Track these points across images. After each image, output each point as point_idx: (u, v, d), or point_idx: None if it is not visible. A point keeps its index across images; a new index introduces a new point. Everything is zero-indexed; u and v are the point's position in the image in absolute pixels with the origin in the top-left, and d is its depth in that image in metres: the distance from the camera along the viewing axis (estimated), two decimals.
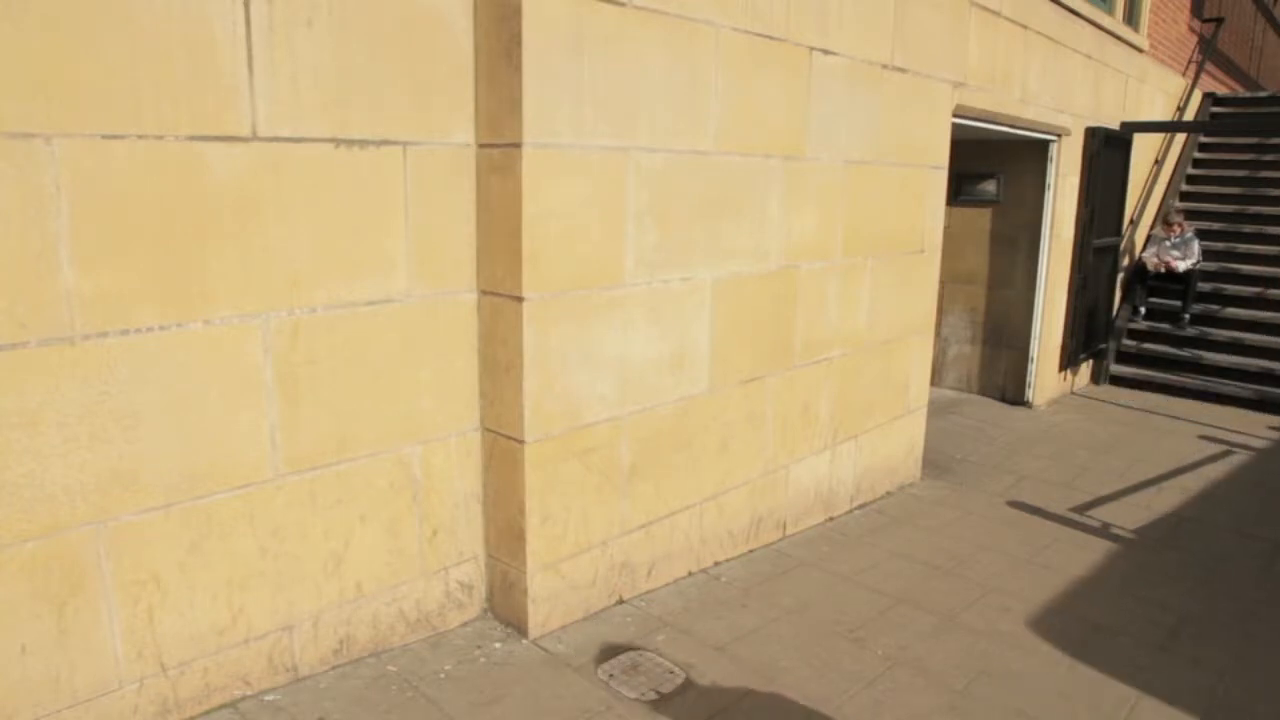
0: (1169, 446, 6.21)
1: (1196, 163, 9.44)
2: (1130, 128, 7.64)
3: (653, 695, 2.95)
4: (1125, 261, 8.44)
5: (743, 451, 3.97)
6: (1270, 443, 6.42)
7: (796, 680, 3.08)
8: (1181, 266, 7.95)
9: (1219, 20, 10.03)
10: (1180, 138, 9.33)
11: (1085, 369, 8.02)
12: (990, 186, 7.10)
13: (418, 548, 3.17)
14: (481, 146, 3.04)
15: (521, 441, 3.09)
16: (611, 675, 3.05)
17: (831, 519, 4.63)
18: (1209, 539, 4.55)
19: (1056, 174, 6.78)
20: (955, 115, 5.05)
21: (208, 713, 2.73)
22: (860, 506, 4.83)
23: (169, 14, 2.34)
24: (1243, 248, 8.39)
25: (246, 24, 2.47)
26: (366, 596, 3.06)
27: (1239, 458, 6.02)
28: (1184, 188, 9.23)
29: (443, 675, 3.02)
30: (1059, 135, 6.65)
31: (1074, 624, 3.58)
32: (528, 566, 3.20)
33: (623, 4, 3.06)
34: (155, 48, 2.32)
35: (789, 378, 4.15)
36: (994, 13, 5.31)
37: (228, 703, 2.78)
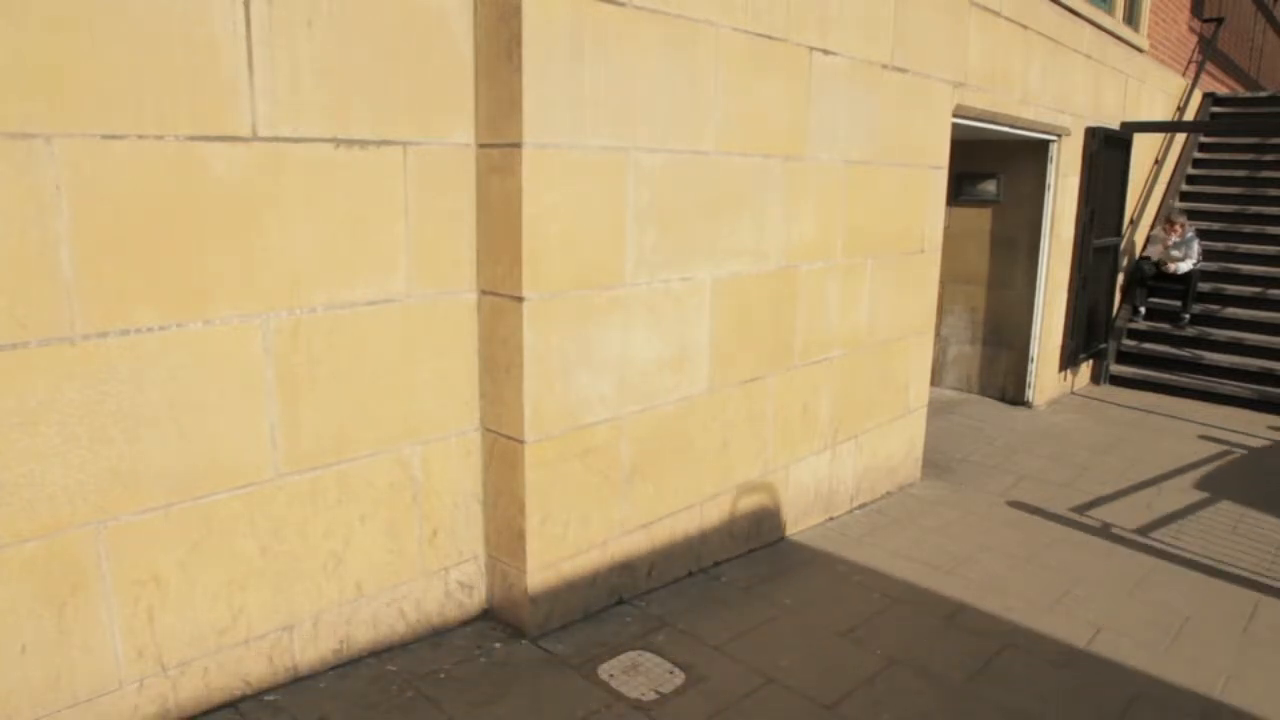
0: (1169, 446, 6.21)
1: (1196, 163, 9.44)
2: (1130, 128, 7.64)
3: (653, 695, 2.95)
4: (1125, 261, 8.45)
5: (743, 451, 3.97)
6: (1270, 442, 6.42)
7: (796, 680, 3.08)
8: (1183, 268, 7.96)
9: (1219, 20, 10.03)
10: (1180, 138, 9.33)
11: (1085, 369, 8.02)
12: (990, 186, 7.10)
13: (417, 548, 3.17)
14: (481, 146, 3.04)
15: (521, 441, 3.09)
16: (611, 675, 3.05)
17: (831, 519, 4.63)
18: (1210, 539, 4.55)
19: (1056, 174, 6.78)
20: (955, 115, 5.05)
21: (208, 713, 2.73)
22: (860, 506, 4.83)
23: (169, 14, 2.34)
24: (1243, 248, 8.39)
25: (246, 24, 2.47)
26: (366, 596, 3.06)
27: (1239, 457, 6.02)
28: (1184, 188, 9.23)
29: (443, 675, 3.02)
30: (1059, 135, 6.65)
31: (1075, 624, 3.58)
32: (528, 566, 3.20)
33: (623, 4, 3.06)
34: (155, 48, 2.32)
35: (789, 378, 4.15)
36: (994, 13, 5.31)
37: (228, 702, 2.77)
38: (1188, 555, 4.33)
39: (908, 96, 4.53)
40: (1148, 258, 8.22)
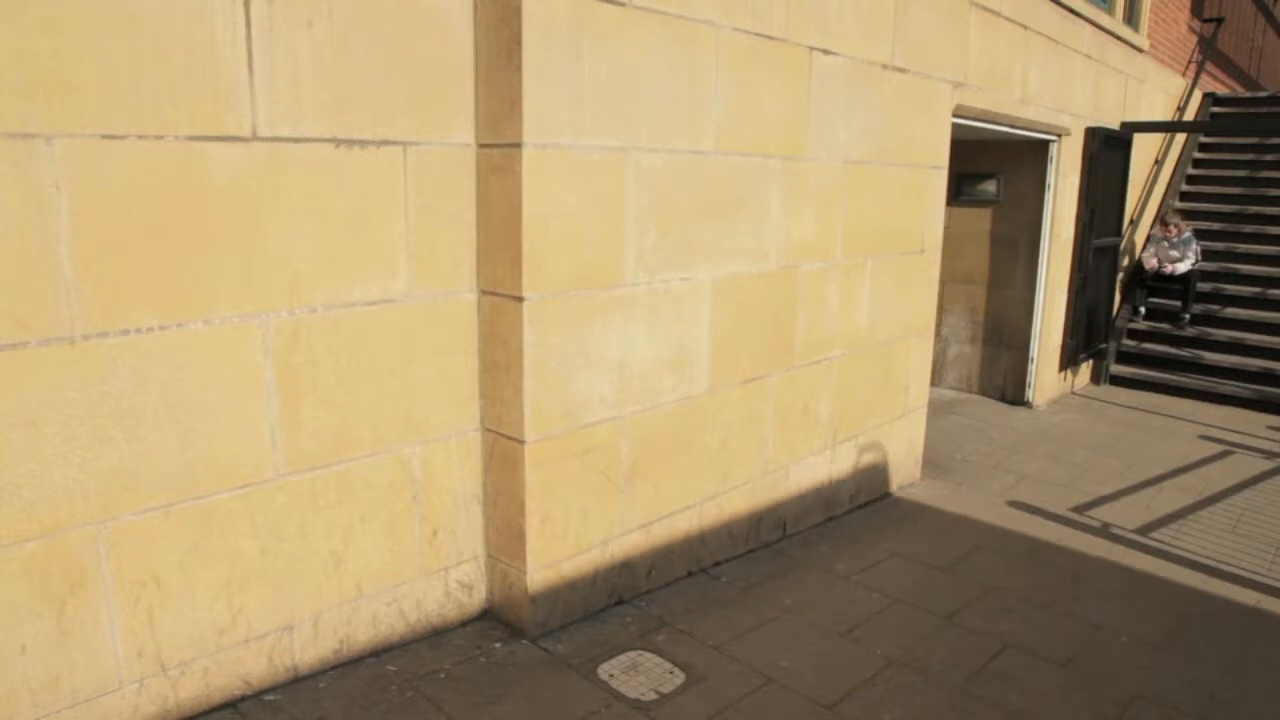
0: (1169, 446, 6.21)
1: (1196, 163, 9.44)
2: (1130, 128, 7.64)
3: (653, 695, 2.95)
4: (1125, 261, 8.45)
5: (742, 451, 3.97)
6: (1270, 442, 6.42)
7: (796, 680, 3.08)
8: (1181, 268, 7.95)
9: (1219, 20, 10.03)
10: (1180, 138, 9.32)
11: (1085, 369, 8.02)
12: (990, 186, 7.10)
13: (418, 548, 3.17)
14: (482, 147, 3.04)
15: (522, 442, 3.09)
16: (611, 675, 3.05)
17: (831, 519, 4.63)
18: (1210, 539, 4.55)
19: (1056, 174, 6.78)
20: (955, 115, 5.05)
21: (208, 713, 2.73)
22: (860, 506, 4.83)
23: (169, 14, 2.34)
24: (1243, 248, 8.39)
25: (246, 24, 2.47)
26: (366, 596, 3.06)
27: (1239, 457, 6.02)
28: (1184, 188, 9.23)
29: (443, 675, 3.02)
30: (1059, 135, 6.65)
31: (1074, 624, 3.58)
32: (528, 566, 3.20)
33: (623, 4, 3.06)
34: (155, 48, 2.32)
35: (789, 378, 4.15)
36: (994, 13, 5.31)
37: (228, 702, 2.78)
38: (1187, 555, 4.33)
39: (908, 96, 4.53)
40: (1144, 263, 8.23)
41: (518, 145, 2.88)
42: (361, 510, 2.99)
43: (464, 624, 3.36)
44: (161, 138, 2.37)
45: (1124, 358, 8.22)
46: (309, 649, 2.95)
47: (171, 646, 2.63)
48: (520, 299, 2.98)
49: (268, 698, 2.83)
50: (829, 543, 4.32)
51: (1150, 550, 4.38)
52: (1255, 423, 6.96)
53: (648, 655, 3.19)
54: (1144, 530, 4.64)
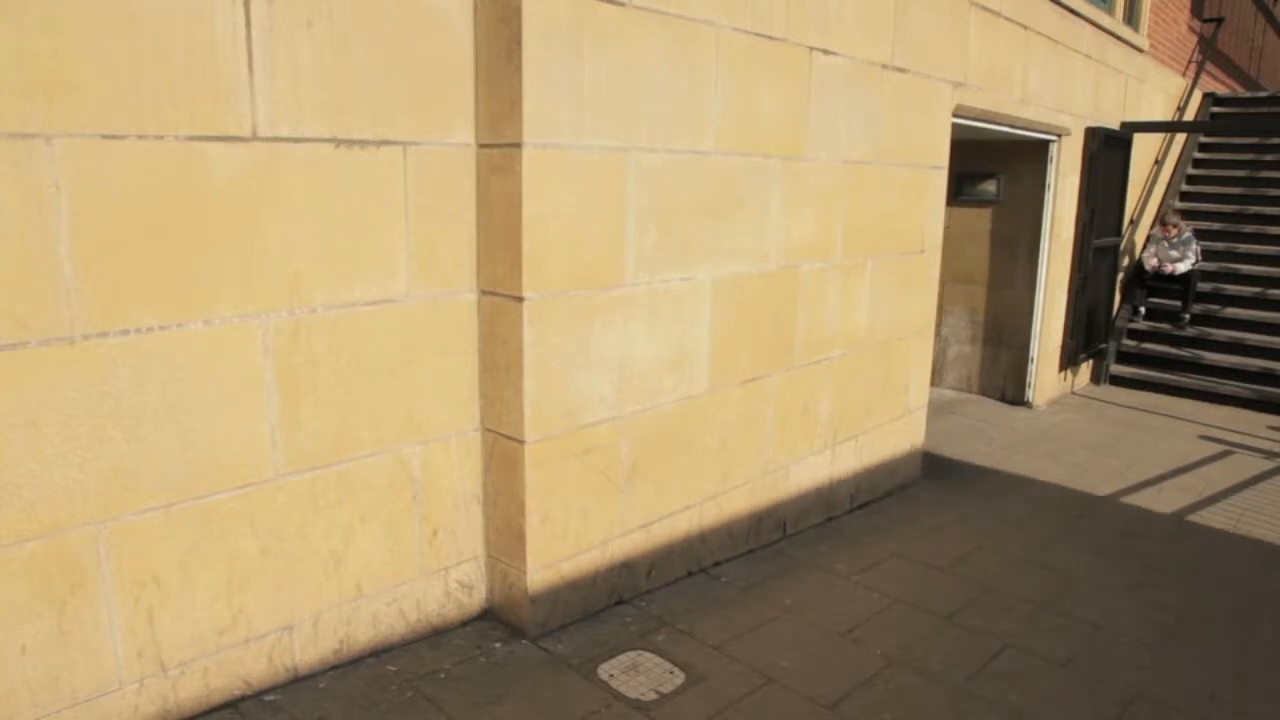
0: (1169, 446, 6.21)
1: (1196, 163, 9.44)
2: (1130, 128, 7.64)
3: (653, 695, 2.95)
4: (1125, 261, 8.45)
5: (742, 451, 3.97)
6: (1270, 442, 6.42)
7: (796, 680, 3.08)
8: (1181, 268, 7.95)
9: (1219, 20, 10.03)
10: (1180, 138, 9.33)
11: (1085, 369, 8.02)
12: (990, 186, 7.10)
13: (418, 548, 3.17)
14: (482, 147, 3.04)
15: (522, 442, 3.09)
16: (611, 675, 3.05)
17: (831, 519, 4.63)
18: (1208, 539, 4.55)
19: (1056, 174, 6.78)
20: (955, 115, 5.05)
21: (208, 713, 2.73)
22: (860, 506, 4.83)
23: (169, 14, 2.34)
24: (1243, 248, 8.39)
25: (246, 24, 2.47)
26: (366, 596, 3.06)
27: (1239, 457, 6.02)
28: (1184, 188, 9.23)
29: (443, 675, 3.02)
30: (1059, 135, 6.65)
31: (1073, 624, 3.58)
32: (528, 566, 3.20)
33: (623, 4, 3.06)
34: (155, 48, 2.32)
35: (789, 378, 4.15)
36: (994, 13, 5.31)
37: (228, 703, 2.77)
38: (1187, 554, 4.33)
39: (908, 96, 4.53)
40: (1144, 263, 8.24)
41: (518, 145, 2.88)
42: (361, 510, 2.99)
43: (464, 624, 3.36)
44: (161, 138, 2.37)
45: (1124, 358, 8.23)
46: (309, 649, 2.95)
47: (171, 646, 2.63)
48: (520, 299, 2.98)
49: (268, 698, 2.83)
50: (829, 543, 4.32)
51: (1150, 551, 4.38)
52: (1255, 423, 6.97)
53: (648, 655, 3.19)
54: (1143, 531, 4.63)
